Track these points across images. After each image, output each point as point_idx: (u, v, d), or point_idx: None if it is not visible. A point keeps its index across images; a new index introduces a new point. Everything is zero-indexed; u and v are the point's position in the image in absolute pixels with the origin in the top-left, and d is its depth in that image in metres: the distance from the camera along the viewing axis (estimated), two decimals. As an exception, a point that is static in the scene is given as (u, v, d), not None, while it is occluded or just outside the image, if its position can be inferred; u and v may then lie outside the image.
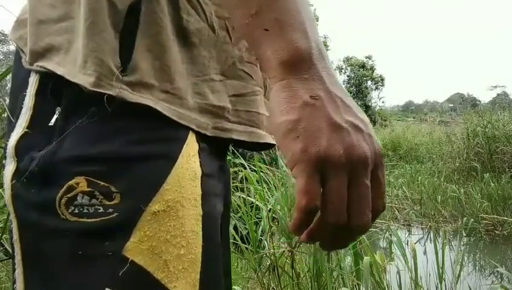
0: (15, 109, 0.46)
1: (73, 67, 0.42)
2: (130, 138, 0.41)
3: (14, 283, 0.43)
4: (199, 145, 0.46)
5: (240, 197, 2.78)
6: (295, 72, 0.37)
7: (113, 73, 0.41)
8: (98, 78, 0.41)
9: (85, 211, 0.40)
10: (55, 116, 0.42)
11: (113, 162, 0.41)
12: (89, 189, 0.40)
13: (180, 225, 0.42)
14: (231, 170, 3.46)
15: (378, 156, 0.37)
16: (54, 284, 0.41)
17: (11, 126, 0.45)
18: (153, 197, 0.41)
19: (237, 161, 3.45)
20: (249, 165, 2.81)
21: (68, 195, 0.40)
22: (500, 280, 2.96)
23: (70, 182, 0.40)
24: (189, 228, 0.43)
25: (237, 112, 0.51)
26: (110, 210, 0.40)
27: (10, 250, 1.02)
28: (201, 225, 0.45)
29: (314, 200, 0.35)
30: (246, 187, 2.95)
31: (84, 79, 0.41)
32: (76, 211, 0.40)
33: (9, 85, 0.54)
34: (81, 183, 0.40)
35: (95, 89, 0.40)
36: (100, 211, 0.40)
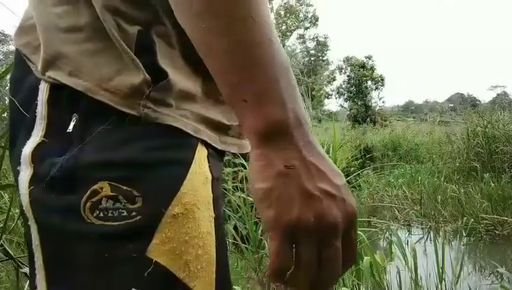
0: (22, 115, 0.46)
1: (90, 82, 0.43)
2: (148, 144, 0.43)
3: (35, 288, 0.44)
4: (208, 150, 0.48)
5: (239, 197, 2.78)
6: (271, 142, 0.38)
7: (142, 93, 0.43)
8: (124, 97, 0.43)
9: (110, 214, 0.41)
10: (72, 123, 0.43)
11: (134, 167, 0.42)
12: (113, 193, 0.41)
13: (197, 227, 0.44)
14: (231, 170, 3.46)
15: (350, 218, 0.40)
16: (80, 287, 0.42)
17: (20, 130, 0.46)
18: (172, 200, 0.43)
19: (237, 161, 3.45)
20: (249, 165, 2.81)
21: (93, 199, 0.41)
22: (500, 280, 2.96)
23: (94, 187, 0.41)
24: (204, 230, 0.45)
25: (233, 126, 0.54)
26: (134, 213, 0.41)
27: (10, 251, 1.01)
28: (214, 227, 0.46)
29: (284, 263, 0.38)
30: (246, 187, 2.95)
31: (109, 97, 0.43)
32: (102, 214, 0.41)
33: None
34: (104, 187, 0.41)
35: (119, 108, 0.42)
36: (124, 214, 0.41)
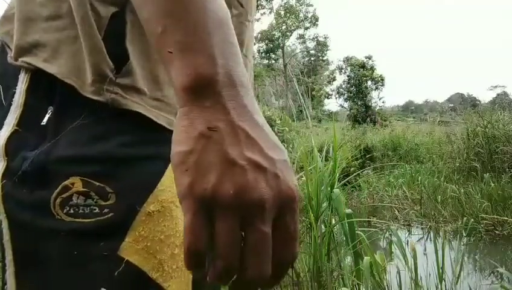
0: (1, 105, 0.46)
1: (65, 67, 0.42)
2: (124, 140, 0.42)
3: (4, 283, 0.43)
4: None
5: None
6: (196, 100, 0.33)
7: (106, 77, 0.42)
8: (90, 84, 0.42)
9: (80, 211, 0.40)
10: (47, 116, 0.42)
11: (108, 163, 0.41)
12: (84, 189, 0.40)
13: (174, 225, 0.43)
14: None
15: (285, 200, 0.32)
16: (48, 285, 0.41)
17: None
18: (148, 197, 0.42)
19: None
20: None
21: (63, 195, 0.40)
22: (500, 280, 2.96)
23: (65, 182, 0.40)
24: (182, 228, 0.43)
25: None
26: (106, 210, 0.40)
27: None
28: None
29: (198, 242, 0.31)
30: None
31: (77, 82, 0.42)
32: (72, 211, 0.40)
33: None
34: (76, 183, 0.40)
35: (87, 95, 0.42)
36: (96, 211, 0.40)
